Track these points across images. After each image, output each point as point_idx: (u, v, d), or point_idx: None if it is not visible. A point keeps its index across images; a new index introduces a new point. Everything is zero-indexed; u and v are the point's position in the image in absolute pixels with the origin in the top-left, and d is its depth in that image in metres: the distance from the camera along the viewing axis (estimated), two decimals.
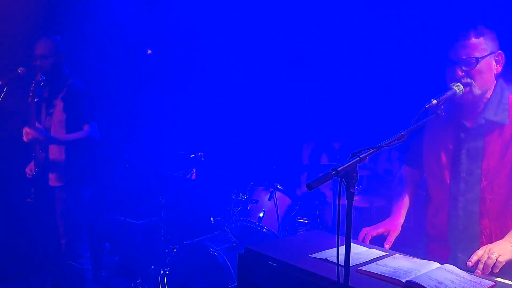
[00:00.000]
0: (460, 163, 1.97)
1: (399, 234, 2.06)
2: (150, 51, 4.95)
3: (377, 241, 2.00)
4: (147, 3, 4.89)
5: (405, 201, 2.19)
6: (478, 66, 1.85)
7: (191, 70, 5.09)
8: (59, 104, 3.23)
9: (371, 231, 2.02)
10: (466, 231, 1.94)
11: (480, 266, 1.65)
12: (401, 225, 2.09)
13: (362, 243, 1.98)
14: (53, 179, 3.28)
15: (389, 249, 1.93)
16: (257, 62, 4.72)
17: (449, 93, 1.82)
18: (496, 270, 1.64)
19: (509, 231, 1.82)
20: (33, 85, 3.06)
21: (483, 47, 1.86)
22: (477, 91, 1.88)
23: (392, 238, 2.00)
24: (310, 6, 4.48)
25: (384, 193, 4.17)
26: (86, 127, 3.24)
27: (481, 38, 1.86)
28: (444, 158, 2.03)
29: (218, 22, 4.97)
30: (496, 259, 1.64)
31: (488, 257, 1.65)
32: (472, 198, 1.94)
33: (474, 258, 1.69)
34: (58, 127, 3.24)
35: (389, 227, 2.05)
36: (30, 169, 3.32)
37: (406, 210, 2.17)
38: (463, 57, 1.86)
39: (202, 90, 5.03)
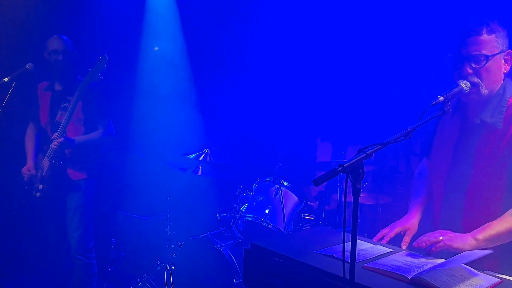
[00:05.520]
0: (456, 160, 1.95)
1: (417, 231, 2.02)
2: (156, 48, 4.96)
3: (394, 241, 1.96)
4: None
5: (423, 198, 2.14)
6: (487, 65, 1.81)
7: (196, 66, 5.09)
8: (78, 103, 3.24)
9: (389, 233, 1.97)
10: (451, 229, 1.84)
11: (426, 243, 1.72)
12: (418, 223, 2.05)
13: (368, 239, 1.98)
14: (75, 174, 3.33)
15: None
16: (264, 57, 4.70)
17: (455, 89, 1.78)
18: (436, 250, 1.70)
19: None
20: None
21: (494, 45, 1.82)
22: (484, 91, 1.84)
23: (408, 238, 1.95)
24: (325, 5, 4.46)
25: (389, 190, 4.16)
26: (103, 125, 3.38)
27: (493, 35, 1.82)
28: (445, 154, 2.02)
29: (223, 14, 4.97)
30: (442, 240, 1.70)
31: (435, 237, 1.72)
32: (459, 198, 1.91)
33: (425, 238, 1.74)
34: (78, 125, 3.32)
35: (406, 225, 2.01)
36: (28, 169, 3.31)
37: (423, 207, 2.13)
38: (473, 53, 1.81)
39: (208, 86, 5.04)
